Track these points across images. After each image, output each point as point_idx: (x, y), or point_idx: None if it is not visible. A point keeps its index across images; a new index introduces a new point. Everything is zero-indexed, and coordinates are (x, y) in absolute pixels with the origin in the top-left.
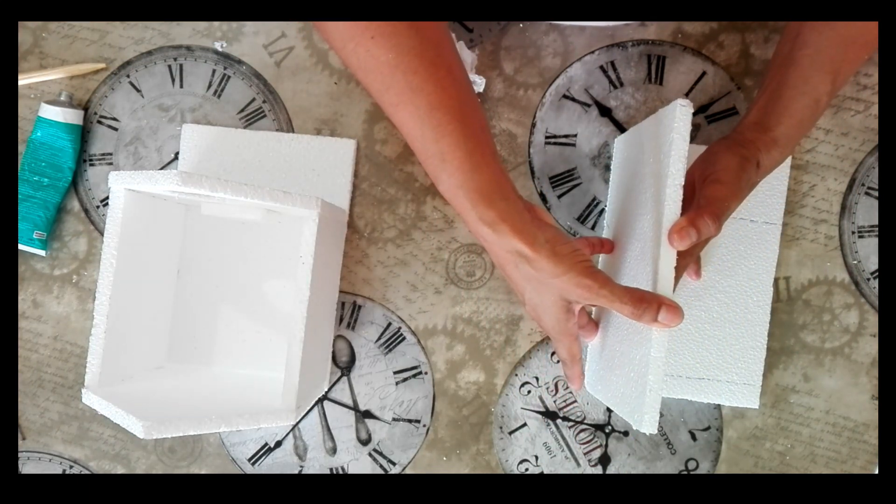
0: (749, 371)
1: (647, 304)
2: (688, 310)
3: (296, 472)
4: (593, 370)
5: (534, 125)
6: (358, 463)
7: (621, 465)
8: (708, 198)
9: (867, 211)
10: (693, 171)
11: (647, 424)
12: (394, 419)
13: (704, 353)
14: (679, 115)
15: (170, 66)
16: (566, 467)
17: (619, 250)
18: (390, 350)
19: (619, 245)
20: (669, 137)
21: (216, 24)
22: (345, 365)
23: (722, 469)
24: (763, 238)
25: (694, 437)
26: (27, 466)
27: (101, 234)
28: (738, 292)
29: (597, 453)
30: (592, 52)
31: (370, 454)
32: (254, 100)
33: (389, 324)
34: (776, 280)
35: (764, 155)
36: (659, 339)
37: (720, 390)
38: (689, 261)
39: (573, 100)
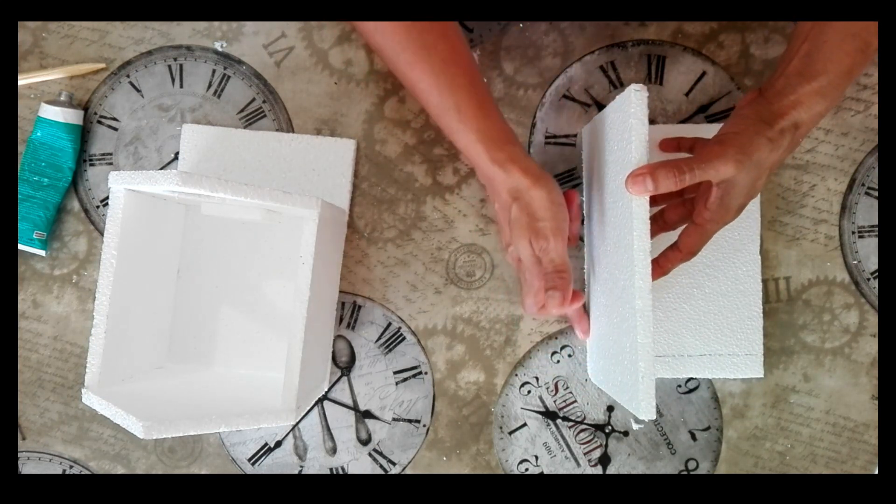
0: (749, 341)
1: (554, 285)
2: (678, 288)
3: (296, 472)
4: (594, 360)
5: (534, 125)
6: (358, 463)
7: (621, 465)
8: (697, 153)
9: (867, 211)
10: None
11: (644, 411)
12: (394, 419)
13: (702, 329)
14: (634, 100)
15: (170, 66)
16: (566, 467)
17: (597, 238)
18: (390, 350)
19: (597, 233)
20: (628, 123)
21: (216, 24)
22: (345, 365)
23: (722, 469)
24: None
25: (694, 437)
26: (27, 466)
27: (101, 234)
28: (726, 264)
29: (597, 453)
30: (592, 52)
31: (370, 454)
32: (254, 100)
33: (389, 324)
34: (776, 280)
35: (804, 111)
36: (643, 325)
37: (723, 364)
38: (693, 240)
39: (573, 100)
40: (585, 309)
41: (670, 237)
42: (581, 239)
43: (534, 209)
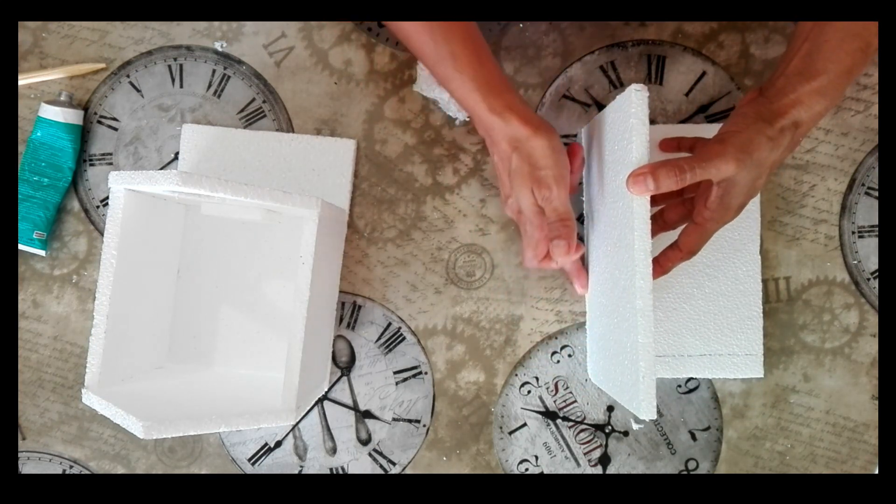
0: (749, 341)
1: (559, 234)
2: (678, 288)
3: (296, 472)
4: (594, 360)
5: None
6: (358, 463)
7: (621, 465)
8: (697, 152)
9: (867, 211)
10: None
11: (644, 411)
12: (394, 419)
13: (702, 329)
14: (635, 100)
15: (170, 66)
16: (566, 467)
17: (598, 238)
18: (390, 350)
19: (597, 233)
20: (629, 123)
21: (216, 24)
22: (345, 365)
23: (722, 469)
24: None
25: (694, 437)
26: (27, 466)
27: (101, 234)
28: (726, 264)
29: (597, 453)
30: (592, 52)
31: (370, 454)
32: (254, 100)
33: (389, 324)
34: (776, 280)
35: (804, 110)
36: (644, 325)
37: (723, 364)
38: (693, 240)
39: (573, 100)
40: (583, 262)
41: (671, 237)
42: (581, 239)
43: (535, 158)
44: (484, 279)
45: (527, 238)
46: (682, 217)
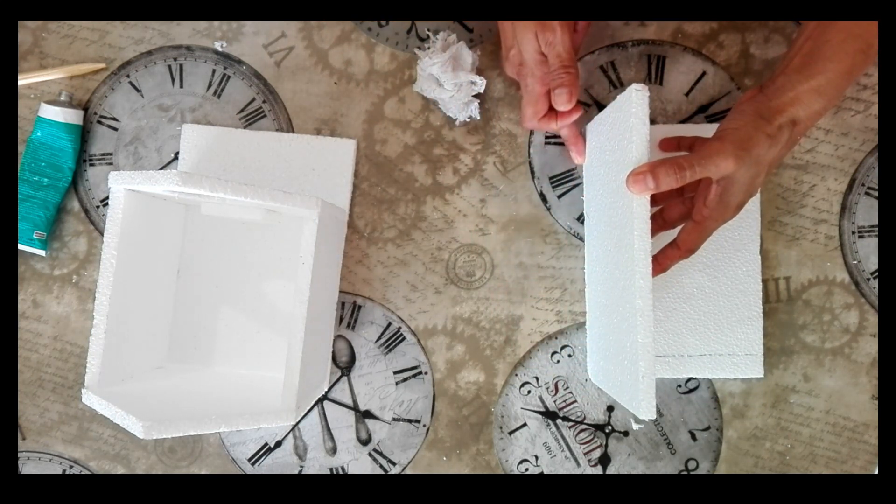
0: (749, 341)
1: (562, 81)
2: (678, 288)
3: (296, 472)
4: (594, 360)
5: None
6: (358, 463)
7: (621, 465)
8: (696, 150)
9: (867, 211)
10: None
11: (644, 410)
12: (394, 419)
13: (702, 328)
14: (635, 99)
15: (170, 66)
16: (566, 467)
17: (597, 238)
18: (390, 350)
19: (600, 233)
20: (629, 123)
21: (216, 24)
22: (345, 365)
23: (722, 469)
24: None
25: (694, 437)
26: (27, 466)
27: (101, 234)
28: (726, 264)
29: (597, 453)
30: (592, 52)
31: (370, 454)
32: (254, 100)
33: (389, 324)
34: (776, 280)
35: (801, 109)
36: (644, 324)
37: (723, 364)
38: (693, 238)
39: None
40: (581, 132)
41: (671, 235)
42: (581, 238)
43: None
44: (484, 279)
45: (527, 94)
46: (681, 216)
